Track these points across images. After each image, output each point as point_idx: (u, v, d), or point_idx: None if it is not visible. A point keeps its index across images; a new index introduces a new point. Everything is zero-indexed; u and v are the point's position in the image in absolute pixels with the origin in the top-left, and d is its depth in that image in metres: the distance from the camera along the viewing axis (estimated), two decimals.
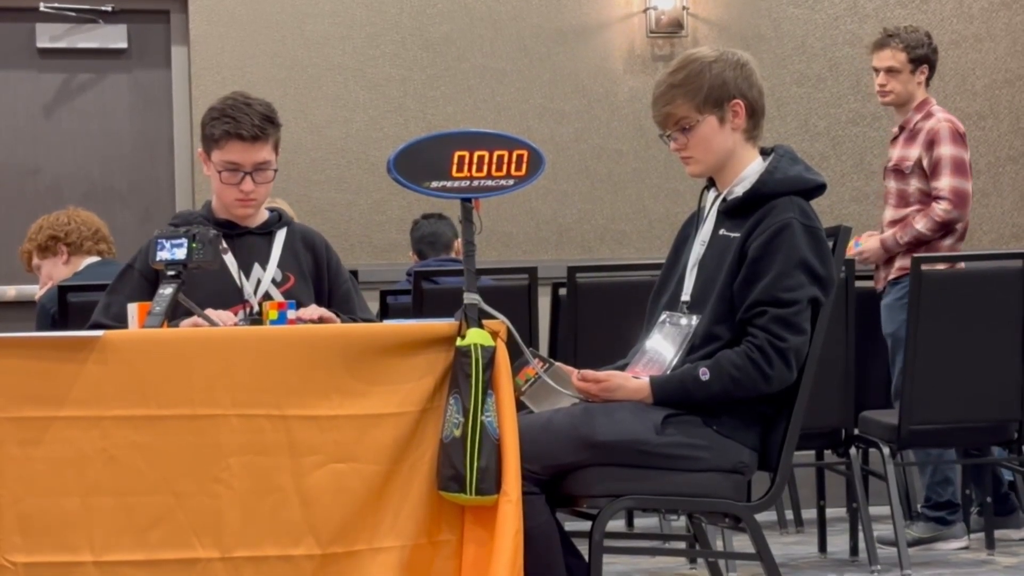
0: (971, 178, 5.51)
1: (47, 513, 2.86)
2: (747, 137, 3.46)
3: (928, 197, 5.45)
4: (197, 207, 4.27)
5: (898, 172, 5.55)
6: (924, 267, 4.98)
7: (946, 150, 5.43)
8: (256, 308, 3.61)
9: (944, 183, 5.41)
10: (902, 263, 5.42)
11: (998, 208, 7.29)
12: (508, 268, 5.67)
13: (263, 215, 3.85)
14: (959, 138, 5.48)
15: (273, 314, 3.38)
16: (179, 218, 3.85)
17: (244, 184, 3.70)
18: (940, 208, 5.40)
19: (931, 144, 5.45)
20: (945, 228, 5.43)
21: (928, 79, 5.63)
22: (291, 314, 3.39)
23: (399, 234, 6.78)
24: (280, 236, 3.80)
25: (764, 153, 3.48)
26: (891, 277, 5.48)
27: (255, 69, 6.73)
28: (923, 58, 5.58)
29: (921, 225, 5.42)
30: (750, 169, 3.44)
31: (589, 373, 3.36)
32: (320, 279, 3.80)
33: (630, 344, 3.55)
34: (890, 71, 5.58)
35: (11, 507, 2.86)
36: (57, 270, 5.37)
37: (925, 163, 5.46)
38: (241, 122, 3.67)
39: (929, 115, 5.53)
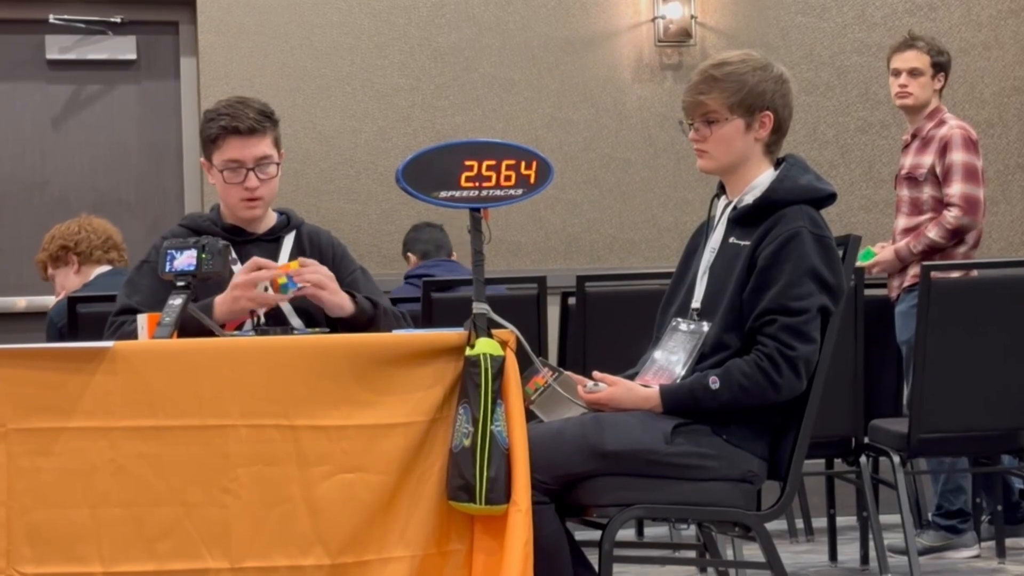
0: (984, 185, 5.50)
1: (56, 524, 2.87)
2: (765, 150, 3.46)
3: (942, 204, 5.44)
4: None
5: (911, 180, 5.54)
6: (934, 275, 4.97)
7: (958, 156, 5.43)
8: (263, 318, 3.61)
9: (955, 190, 5.40)
10: (916, 271, 5.41)
11: (1007, 216, 7.28)
12: (517, 277, 5.66)
13: (271, 219, 3.81)
14: (971, 145, 5.47)
15: (283, 279, 3.45)
16: (188, 220, 3.84)
17: (248, 181, 3.67)
18: (951, 215, 5.39)
19: (943, 151, 5.45)
20: (957, 235, 5.42)
21: (942, 89, 5.64)
22: (295, 276, 3.49)
23: None
24: (288, 241, 3.77)
25: (776, 164, 3.49)
26: (905, 285, 5.47)
27: (263, 80, 6.74)
28: (942, 65, 5.61)
29: (933, 233, 5.41)
30: (761, 178, 3.44)
31: (598, 375, 3.36)
32: None
33: (639, 353, 3.55)
34: (913, 72, 5.58)
35: (20, 518, 2.86)
36: (69, 280, 5.38)
37: (938, 170, 5.45)
38: (237, 117, 3.66)
39: (942, 123, 5.53)
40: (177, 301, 3.21)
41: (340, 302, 3.57)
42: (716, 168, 3.48)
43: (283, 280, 3.46)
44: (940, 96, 5.64)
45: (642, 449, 3.23)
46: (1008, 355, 4.95)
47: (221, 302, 3.50)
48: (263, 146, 3.68)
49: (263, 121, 3.69)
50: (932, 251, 5.42)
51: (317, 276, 3.53)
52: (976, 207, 5.42)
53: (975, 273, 5.35)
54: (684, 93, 3.48)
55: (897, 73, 5.62)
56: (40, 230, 5.53)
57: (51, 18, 6.71)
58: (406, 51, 6.94)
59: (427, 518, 2.98)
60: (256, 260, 3.52)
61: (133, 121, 6.89)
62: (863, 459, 5.06)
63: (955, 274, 5.25)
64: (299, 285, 3.49)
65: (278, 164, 3.73)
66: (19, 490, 2.86)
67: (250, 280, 3.48)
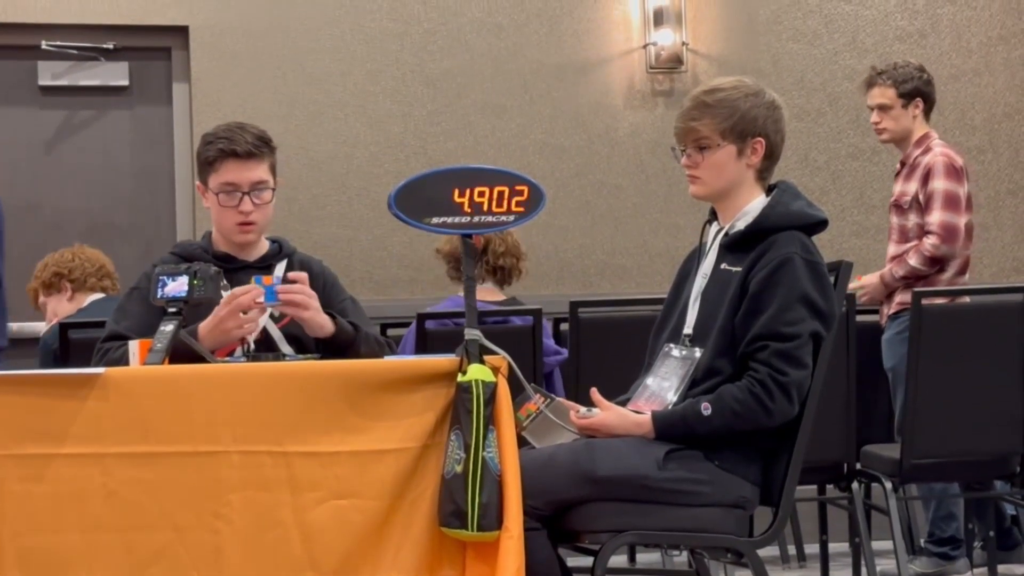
0: (966, 212, 5.47)
1: (48, 549, 2.86)
2: (757, 176, 3.47)
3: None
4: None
5: (898, 207, 5.55)
6: (924, 301, 4.98)
7: (939, 184, 5.42)
8: (253, 345, 3.61)
9: (934, 218, 5.40)
10: (901, 298, 5.42)
11: (998, 242, 7.29)
12: (511, 311, 5.65)
13: (263, 247, 3.83)
14: (954, 172, 5.45)
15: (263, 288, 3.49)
16: (179, 248, 3.84)
17: (243, 205, 3.69)
18: (929, 243, 5.39)
19: (926, 178, 5.45)
20: (936, 263, 5.40)
21: (927, 112, 5.61)
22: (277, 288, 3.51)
23: (400, 270, 6.79)
24: (279, 269, 3.77)
25: (767, 190, 3.50)
26: (891, 312, 5.48)
27: (256, 106, 6.75)
28: (914, 92, 5.56)
29: (914, 260, 5.41)
30: (753, 204, 3.45)
31: (596, 395, 3.36)
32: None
33: (632, 378, 3.55)
34: (881, 108, 5.59)
35: (11, 543, 2.85)
36: (62, 307, 5.38)
37: (921, 198, 5.45)
38: (235, 140, 3.68)
39: (928, 149, 5.52)
40: (168, 327, 3.20)
41: (318, 322, 3.57)
42: (708, 194, 3.48)
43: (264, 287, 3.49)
44: (927, 120, 5.61)
45: (634, 475, 3.22)
46: (999, 381, 4.95)
47: (206, 331, 3.50)
48: (259, 171, 3.70)
49: (261, 146, 3.71)
50: (914, 278, 5.42)
51: (301, 298, 3.53)
52: (954, 235, 5.39)
53: (966, 299, 5.35)
54: (676, 119, 3.49)
55: (872, 110, 5.64)
56: (32, 255, 5.53)
57: (43, 44, 6.72)
58: (398, 77, 6.95)
59: (419, 544, 2.97)
60: (234, 291, 3.53)
61: (125, 147, 6.89)
62: (855, 485, 5.06)
63: (939, 300, 5.25)
64: (279, 300, 3.50)
65: (273, 190, 3.74)
66: (10, 515, 2.85)
67: (233, 309, 3.48)
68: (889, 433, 5.48)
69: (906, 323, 5.33)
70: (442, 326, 4.91)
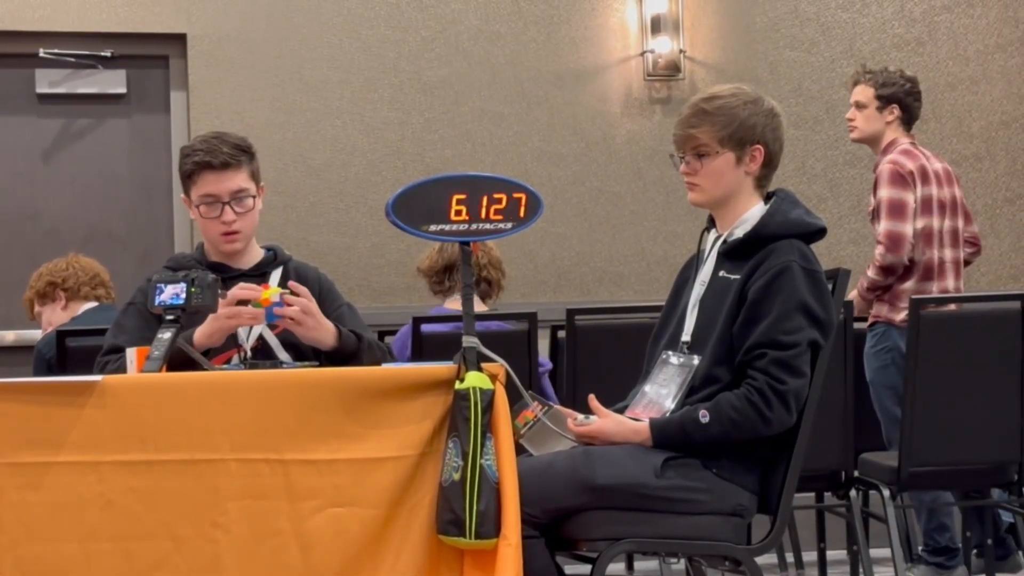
0: (923, 216, 5.42)
1: (45, 559, 2.85)
2: (756, 184, 3.47)
3: None
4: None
5: (870, 218, 5.58)
6: (922, 310, 4.98)
7: (883, 193, 5.40)
8: (250, 353, 3.60)
9: (881, 227, 5.38)
10: (875, 310, 5.43)
11: (995, 250, 7.30)
12: (507, 314, 5.66)
13: (257, 255, 3.82)
14: (899, 179, 5.41)
15: (269, 294, 3.47)
16: (173, 261, 3.84)
17: (224, 215, 3.70)
18: (877, 253, 5.38)
19: (875, 188, 5.46)
20: (888, 272, 5.37)
21: (906, 122, 5.58)
22: (276, 310, 3.47)
23: (398, 277, 6.79)
24: (274, 277, 3.77)
25: (766, 198, 3.50)
26: (867, 325, 5.47)
27: (254, 114, 6.75)
28: (892, 97, 5.55)
29: (870, 272, 5.41)
30: (752, 212, 3.45)
31: (593, 402, 3.35)
32: None
33: (629, 386, 3.55)
34: (858, 106, 5.59)
35: (9, 552, 2.85)
36: (56, 316, 5.38)
37: (874, 208, 5.47)
38: (210, 152, 3.70)
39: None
40: (166, 335, 3.20)
41: (319, 337, 3.56)
42: (707, 201, 3.48)
43: (269, 294, 3.47)
44: (904, 129, 5.58)
45: (633, 483, 3.22)
46: (997, 388, 4.95)
47: (201, 328, 3.51)
48: (238, 179, 3.71)
49: (237, 155, 3.71)
50: (877, 289, 5.40)
51: (296, 311, 3.51)
52: (899, 243, 5.35)
53: (952, 307, 5.33)
54: (675, 126, 3.49)
55: (851, 105, 5.65)
56: (30, 263, 5.52)
57: (41, 52, 6.72)
58: (396, 85, 6.95)
59: (417, 552, 2.97)
60: (241, 285, 3.53)
61: (123, 155, 6.89)
62: (853, 493, 5.06)
63: (903, 305, 5.22)
64: (279, 317, 3.49)
65: (255, 197, 3.74)
66: (8, 524, 2.85)
67: (234, 303, 3.48)
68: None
69: (878, 335, 5.36)
70: (436, 330, 4.91)
